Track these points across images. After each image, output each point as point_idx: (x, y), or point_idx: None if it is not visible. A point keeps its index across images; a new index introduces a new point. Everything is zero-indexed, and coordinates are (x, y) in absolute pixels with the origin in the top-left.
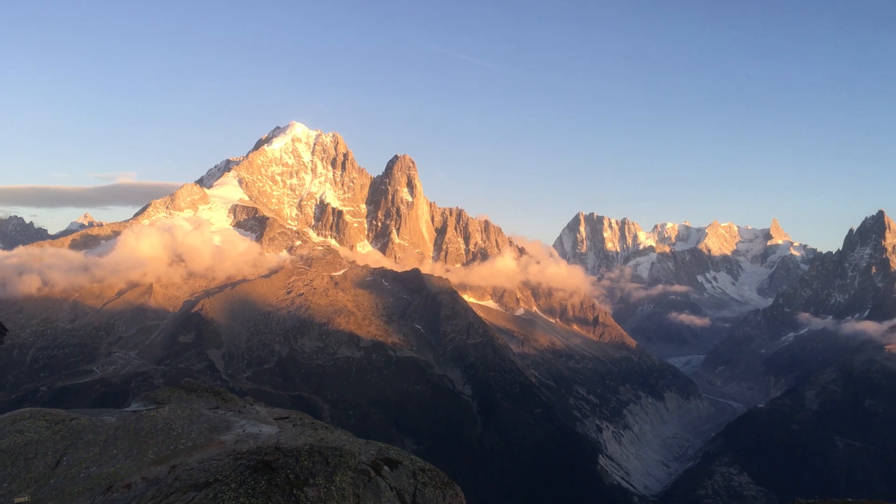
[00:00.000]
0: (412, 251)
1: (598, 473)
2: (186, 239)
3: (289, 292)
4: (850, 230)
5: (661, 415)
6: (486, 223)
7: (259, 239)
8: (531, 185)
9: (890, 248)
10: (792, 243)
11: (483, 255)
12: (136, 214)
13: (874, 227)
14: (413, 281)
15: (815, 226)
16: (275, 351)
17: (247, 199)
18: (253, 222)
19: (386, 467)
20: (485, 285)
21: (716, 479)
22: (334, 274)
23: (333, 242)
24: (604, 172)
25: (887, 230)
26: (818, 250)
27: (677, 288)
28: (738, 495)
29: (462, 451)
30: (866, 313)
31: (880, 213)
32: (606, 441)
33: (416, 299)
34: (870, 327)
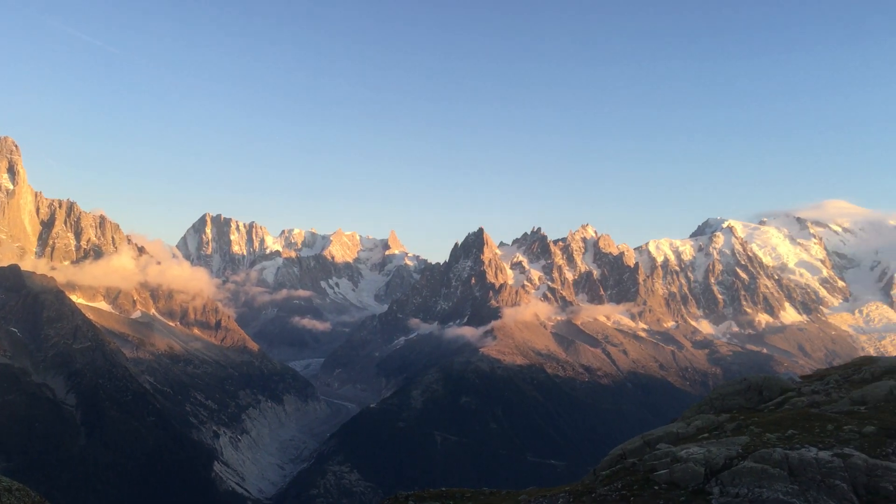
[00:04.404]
0: (11, 245)
1: (212, 480)
2: None
3: None
4: (456, 244)
5: (280, 418)
6: (102, 218)
7: None
8: (155, 182)
9: (487, 262)
10: (407, 254)
11: (97, 253)
12: None
13: (475, 242)
14: (10, 278)
15: (427, 239)
16: None
17: None
18: None
19: None
20: (97, 285)
21: (328, 478)
22: None
23: None
24: (232, 174)
25: (485, 245)
26: (429, 261)
27: (301, 293)
28: (348, 492)
29: (62, 467)
30: (466, 319)
31: (480, 230)
32: (223, 447)
33: (12, 299)
34: (468, 332)
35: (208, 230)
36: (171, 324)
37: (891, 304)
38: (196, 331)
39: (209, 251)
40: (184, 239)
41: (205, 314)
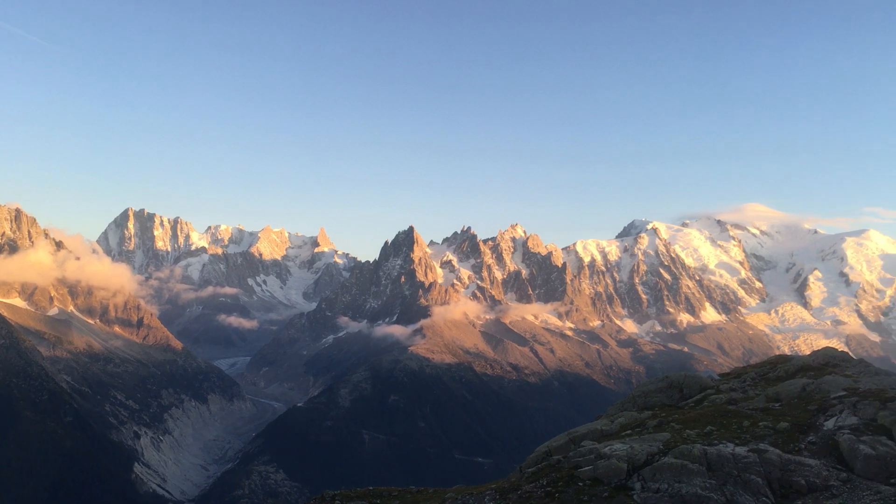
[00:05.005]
0: None
1: (132, 482)
2: None
3: None
4: (386, 242)
5: (204, 418)
6: (18, 211)
7: None
8: (75, 175)
9: (417, 260)
10: (336, 251)
11: (12, 248)
12: None
13: (405, 240)
14: None
15: (357, 237)
16: None
17: None
18: None
19: None
20: (12, 281)
21: (253, 478)
22: None
23: None
24: (156, 168)
25: (415, 244)
26: (358, 259)
27: (228, 290)
28: (273, 492)
29: None
30: (395, 318)
31: (410, 229)
32: (144, 448)
33: None
34: (397, 330)
35: (131, 225)
36: (90, 321)
37: (805, 305)
38: (117, 328)
39: (131, 247)
40: (105, 234)
41: (126, 311)
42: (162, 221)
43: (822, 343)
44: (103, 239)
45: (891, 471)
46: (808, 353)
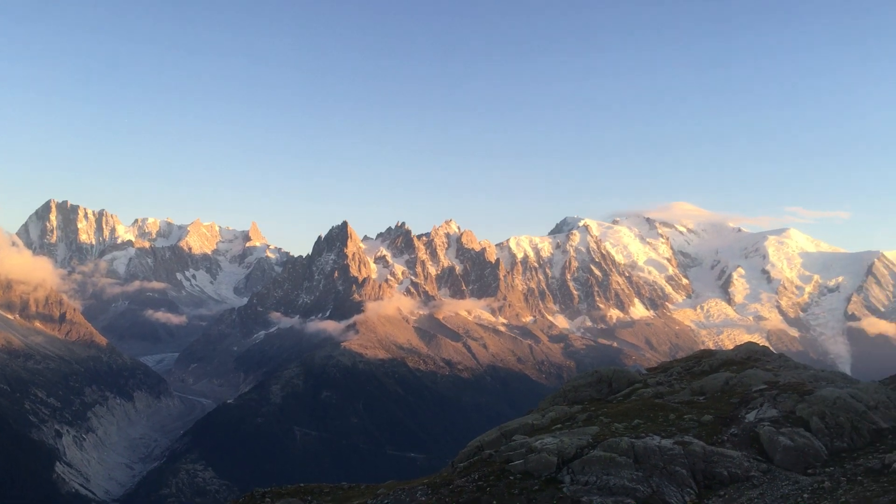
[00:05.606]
0: None
1: (53, 482)
2: None
3: None
4: (319, 237)
5: (130, 415)
6: None
7: None
8: None
9: (350, 256)
10: (268, 246)
11: None
12: None
13: (339, 235)
14: None
15: (290, 231)
16: None
17: None
18: None
19: None
20: None
21: (181, 476)
22: None
23: None
24: (80, 158)
25: (349, 239)
26: (291, 254)
27: (155, 285)
28: (202, 491)
29: None
30: (328, 313)
31: (344, 224)
32: (66, 447)
33: None
34: (330, 326)
35: (53, 217)
36: (9, 316)
37: (728, 301)
38: (37, 324)
39: (53, 239)
40: (25, 226)
41: (48, 306)
42: (86, 213)
43: (745, 338)
44: (23, 231)
45: (808, 461)
46: (731, 347)
